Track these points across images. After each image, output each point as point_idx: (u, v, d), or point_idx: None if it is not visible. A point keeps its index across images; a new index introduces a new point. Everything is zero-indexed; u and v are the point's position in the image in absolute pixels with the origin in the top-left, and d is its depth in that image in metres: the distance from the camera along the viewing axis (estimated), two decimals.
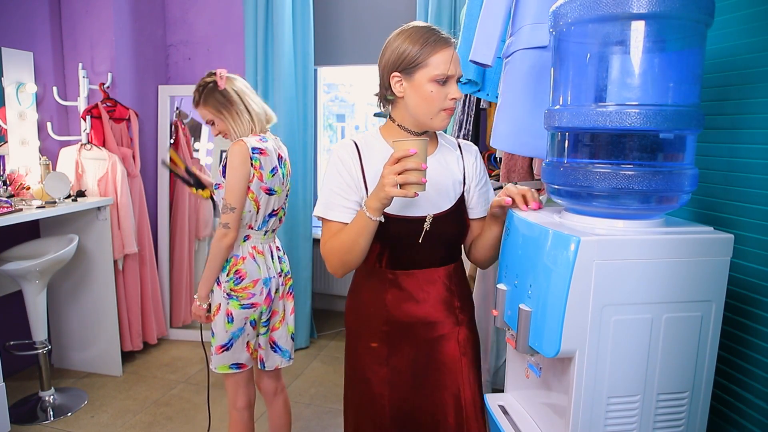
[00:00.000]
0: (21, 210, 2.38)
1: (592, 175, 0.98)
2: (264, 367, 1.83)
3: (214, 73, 1.74)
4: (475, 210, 1.34)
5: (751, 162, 1.10)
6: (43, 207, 2.48)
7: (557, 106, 1.06)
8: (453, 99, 1.20)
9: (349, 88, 4.54)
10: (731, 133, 1.15)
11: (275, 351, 1.84)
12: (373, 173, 1.24)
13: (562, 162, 1.07)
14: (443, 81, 1.19)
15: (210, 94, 1.72)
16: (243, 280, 1.72)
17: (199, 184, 1.98)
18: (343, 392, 1.42)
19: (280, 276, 1.83)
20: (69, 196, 2.65)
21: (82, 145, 2.86)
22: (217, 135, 1.79)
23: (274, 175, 1.74)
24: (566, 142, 1.07)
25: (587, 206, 1.04)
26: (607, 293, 0.94)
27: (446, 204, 1.27)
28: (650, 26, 0.94)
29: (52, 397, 2.52)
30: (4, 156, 2.66)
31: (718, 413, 1.18)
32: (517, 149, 1.57)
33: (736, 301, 1.13)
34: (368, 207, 1.13)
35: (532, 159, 2.21)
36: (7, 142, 2.66)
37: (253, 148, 1.68)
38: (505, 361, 1.32)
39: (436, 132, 1.33)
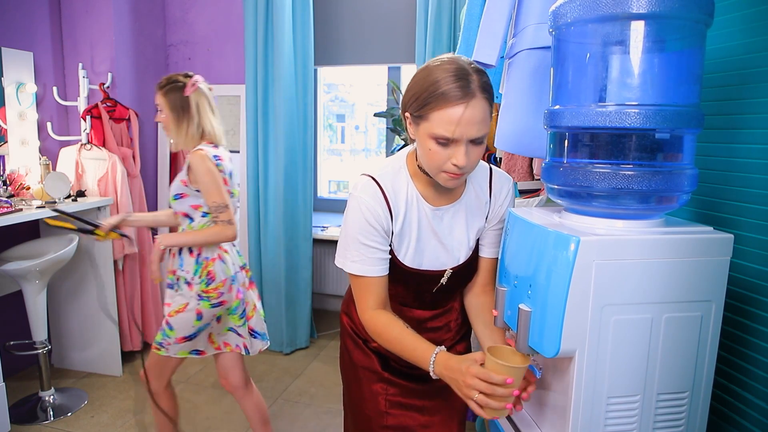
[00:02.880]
0: (21, 210, 2.38)
1: (591, 175, 0.98)
2: (249, 352, 1.93)
3: (191, 77, 1.83)
4: (486, 249, 1.24)
5: (751, 162, 1.10)
6: (43, 207, 2.48)
7: (557, 106, 1.06)
8: (457, 165, 1.03)
9: (349, 88, 4.54)
10: (731, 133, 1.15)
11: (255, 336, 1.95)
12: (400, 222, 1.15)
13: (562, 162, 1.07)
14: (444, 142, 1.02)
15: (174, 91, 1.81)
16: (214, 281, 1.80)
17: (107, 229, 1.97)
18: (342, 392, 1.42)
19: (243, 269, 1.93)
20: (69, 196, 2.65)
21: (82, 145, 2.86)
22: (157, 122, 1.89)
23: (231, 178, 1.86)
24: (566, 142, 1.07)
25: (587, 206, 1.04)
26: (607, 293, 0.94)
27: (465, 255, 1.21)
28: (650, 26, 0.94)
29: (52, 397, 2.52)
30: (4, 156, 2.66)
31: (718, 413, 1.18)
32: (522, 150, 1.56)
33: (736, 301, 1.13)
34: (435, 368, 1.04)
35: (531, 159, 2.21)
36: (7, 142, 2.66)
37: (214, 156, 1.79)
38: None
39: None
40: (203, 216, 1.82)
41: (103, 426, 2.38)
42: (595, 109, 0.97)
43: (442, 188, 1.16)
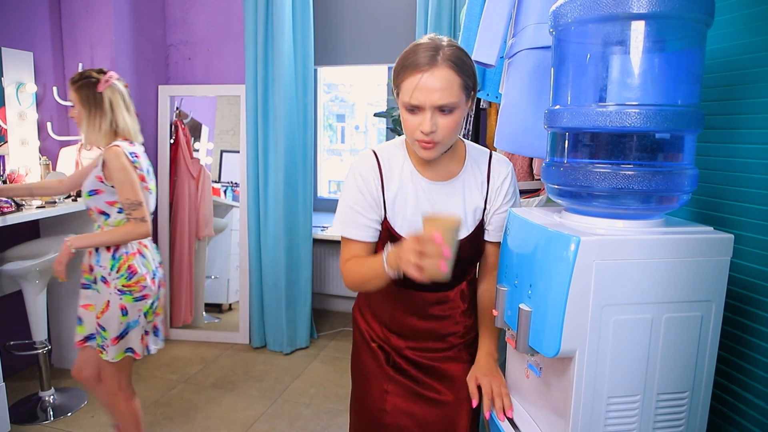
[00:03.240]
0: (21, 210, 2.38)
1: (592, 175, 0.98)
2: (149, 352, 1.93)
3: (105, 73, 1.82)
4: (491, 234, 1.27)
5: (751, 162, 1.10)
6: (43, 207, 2.48)
7: (557, 106, 1.06)
8: (423, 132, 1.08)
9: (349, 88, 4.55)
10: (731, 133, 1.15)
11: (156, 335, 1.95)
12: (393, 192, 1.21)
13: (562, 162, 1.07)
14: (410, 109, 1.09)
15: (86, 86, 1.80)
16: (135, 274, 1.80)
17: None
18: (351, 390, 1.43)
19: (159, 266, 1.94)
20: (69, 196, 2.65)
21: (81, 145, 2.86)
22: (71, 117, 1.88)
23: (149, 174, 1.87)
24: (566, 142, 1.07)
25: (587, 206, 1.04)
26: (607, 293, 0.94)
27: (464, 232, 1.23)
28: (650, 26, 0.94)
29: (52, 397, 2.52)
30: (4, 156, 2.66)
31: (718, 413, 1.18)
32: (522, 150, 1.57)
33: (736, 301, 1.13)
34: (389, 261, 1.07)
35: (531, 159, 2.21)
36: (7, 142, 2.66)
37: (131, 153, 1.78)
38: (504, 360, 1.32)
39: (467, 148, 1.25)
40: (119, 212, 1.80)
41: (103, 426, 2.38)
42: (596, 109, 0.97)
43: (437, 164, 1.21)
